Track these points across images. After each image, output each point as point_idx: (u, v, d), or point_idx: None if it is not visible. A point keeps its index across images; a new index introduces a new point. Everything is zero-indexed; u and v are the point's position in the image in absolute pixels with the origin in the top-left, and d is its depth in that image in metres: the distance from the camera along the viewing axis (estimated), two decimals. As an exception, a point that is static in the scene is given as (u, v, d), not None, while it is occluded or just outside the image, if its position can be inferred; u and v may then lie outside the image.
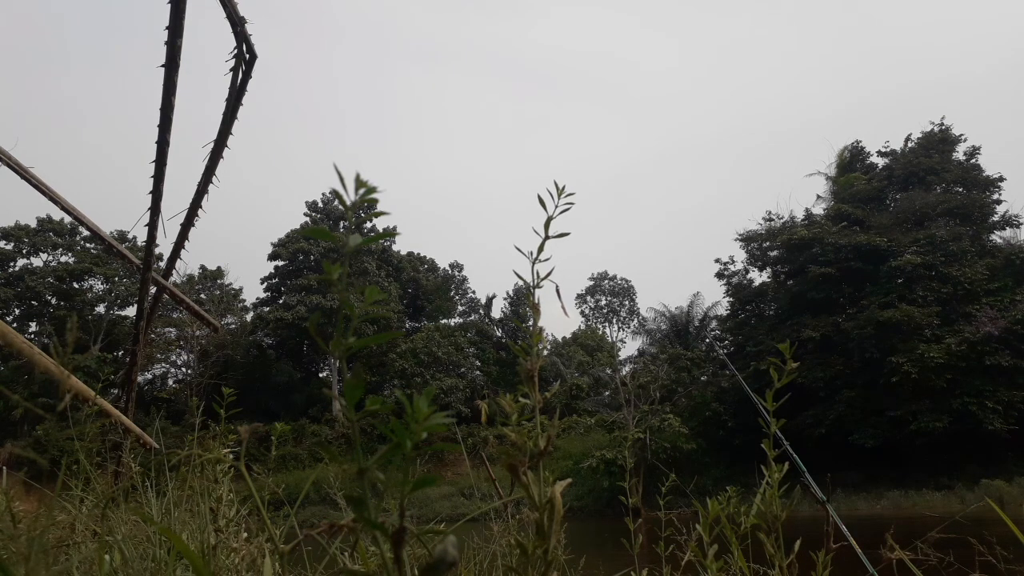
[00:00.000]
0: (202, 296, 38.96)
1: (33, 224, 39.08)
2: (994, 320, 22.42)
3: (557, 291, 0.64)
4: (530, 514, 0.51)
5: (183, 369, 39.11)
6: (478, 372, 40.92)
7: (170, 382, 39.13)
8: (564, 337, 47.22)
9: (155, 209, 2.58)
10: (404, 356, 37.39)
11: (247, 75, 2.37)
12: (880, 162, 30.57)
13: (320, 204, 42.31)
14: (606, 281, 52.01)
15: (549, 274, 0.59)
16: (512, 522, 1.74)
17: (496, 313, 45.33)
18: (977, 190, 26.97)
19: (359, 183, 0.37)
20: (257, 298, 42.61)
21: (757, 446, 1.09)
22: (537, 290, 0.59)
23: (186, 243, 3.02)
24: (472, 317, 46.75)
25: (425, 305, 45.31)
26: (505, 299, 45.44)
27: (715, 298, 47.82)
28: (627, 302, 51.59)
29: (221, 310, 39.32)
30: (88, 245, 39.38)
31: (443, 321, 44.97)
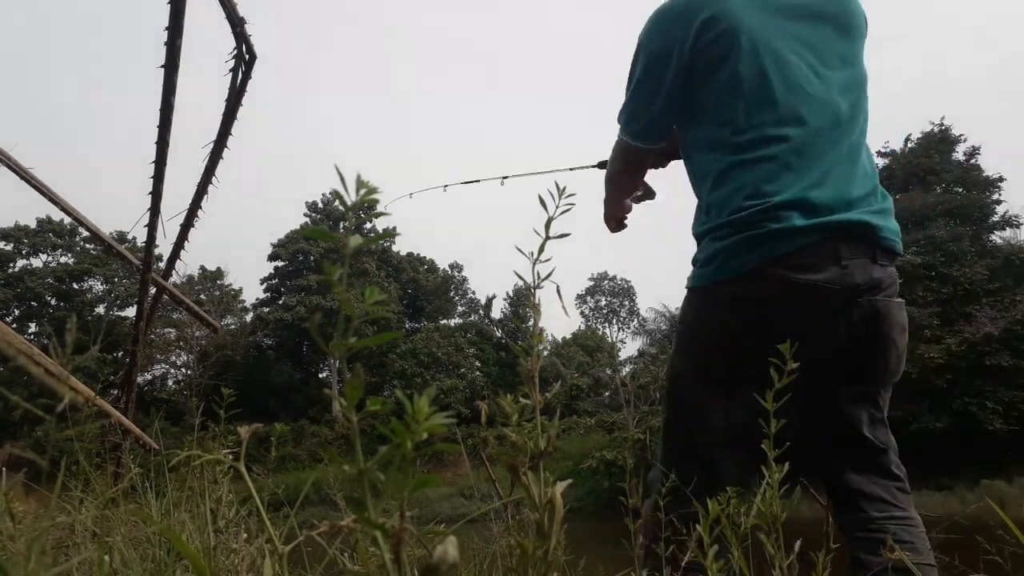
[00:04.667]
0: (202, 297, 38.94)
1: (33, 225, 39.08)
2: (994, 320, 22.42)
3: (558, 291, 0.64)
4: (530, 515, 0.51)
5: (183, 370, 39.10)
6: (478, 373, 40.91)
7: (170, 383, 39.11)
8: (564, 337, 47.24)
9: (155, 210, 2.58)
10: (404, 357, 37.39)
11: (247, 75, 2.37)
12: (880, 162, 30.59)
13: (320, 204, 42.31)
14: (606, 282, 52.02)
15: (550, 274, 0.59)
16: (512, 523, 1.74)
17: (496, 313, 45.35)
18: (977, 190, 26.98)
19: (360, 183, 0.37)
20: (257, 299, 42.61)
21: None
22: (538, 291, 0.59)
23: (186, 244, 3.02)
24: (472, 318, 46.75)
25: (425, 306, 45.30)
26: (505, 299, 45.46)
27: (715, 298, 47.62)
28: (627, 302, 51.59)
29: (221, 311, 39.29)
30: (88, 246, 39.36)
31: (443, 322, 44.97)
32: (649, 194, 1.91)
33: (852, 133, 1.44)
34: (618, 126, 1.64)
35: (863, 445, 1.43)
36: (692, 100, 1.48)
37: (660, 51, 1.47)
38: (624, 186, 1.78)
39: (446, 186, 2.74)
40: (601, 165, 1.96)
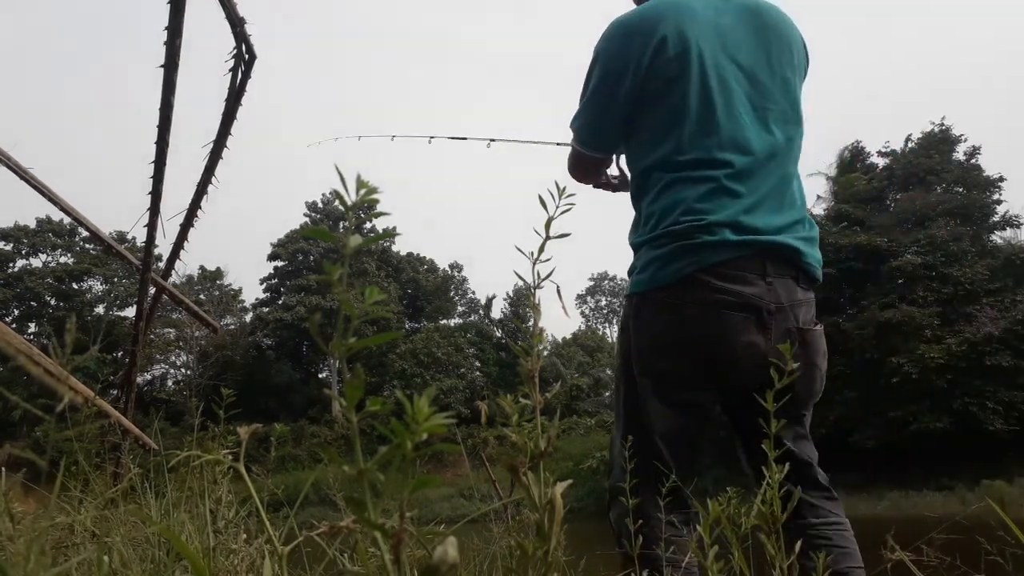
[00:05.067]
0: (201, 297, 38.92)
1: (32, 225, 39.08)
2: (994, 320, 22.42)
3: (558, 291, 0.64)
4: (530, 515, 0.51)
5: (182, 370, 39.09)
6: (478, 373, 40.89)
7: (169, 383, 39.10)
8: (564, 338, 47.23)
9: (154, 209, 2.58)
10: (404, 357, 37.37)
11: (246, 75, 2.37)
12: (880, 162, 30.59)
13: (320, 204, 42.28)
14: (606, 281, 52.05)
15: (550, 274, 0.59)
16: (512, 523, 1.73)
17: (496, 313, 45.33)
18: (977, 190, 26.98)
19: (360, 183, 0.37)
20: (256, 299, 42.60)
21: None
22: (538, 291, 0.59)
23: (186, 244, 3.02)
24: (472, 318, 46.74)
25: (425, 306, 45.28)
26: (505, 299, 45.45)
27: (715, 299, 47.63)
28: (627, 303, 51.47)
29: (220, 311, 39.28)
30: (87, 246, 39.35)
31: (443, 322, 44.95)
32: (624, 185, 1.89)
33: (787, 164, 1.51)
34: (571, 132, 1.67)
35: (791, 459, 1.46)
36: (640, 115, 1.53)
37: (617, 64, 1.51)
38: (583, 181, 1.81)
39: (431, 138, 2.81)
40: None
